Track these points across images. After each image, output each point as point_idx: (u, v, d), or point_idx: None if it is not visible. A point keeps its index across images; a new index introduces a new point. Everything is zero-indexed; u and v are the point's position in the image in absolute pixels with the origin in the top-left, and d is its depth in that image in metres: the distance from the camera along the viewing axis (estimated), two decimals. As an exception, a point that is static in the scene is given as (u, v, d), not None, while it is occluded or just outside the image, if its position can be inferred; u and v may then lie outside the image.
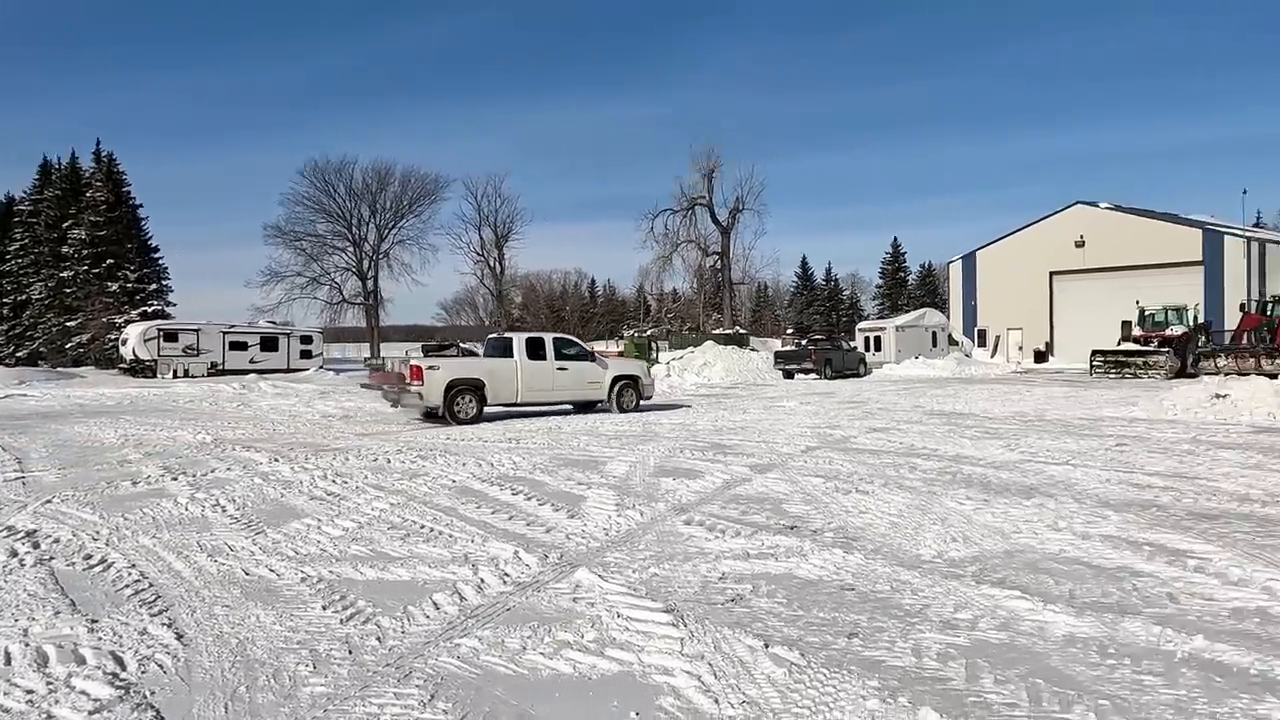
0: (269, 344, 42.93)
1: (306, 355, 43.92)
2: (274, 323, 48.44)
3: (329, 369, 43.39)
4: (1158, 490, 8.36)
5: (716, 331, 53.16)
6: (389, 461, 10.92)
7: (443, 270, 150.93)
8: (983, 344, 47.11)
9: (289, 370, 41.71)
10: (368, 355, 56.63)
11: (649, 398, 19.09)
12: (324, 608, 4.96)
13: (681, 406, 20.06)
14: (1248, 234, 42.52)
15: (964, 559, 5.94)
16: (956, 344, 45.21)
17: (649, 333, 52.66)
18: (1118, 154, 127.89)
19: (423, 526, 7.09)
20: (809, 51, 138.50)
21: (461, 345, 43.03)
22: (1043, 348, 44.80)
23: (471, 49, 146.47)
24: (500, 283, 75.24)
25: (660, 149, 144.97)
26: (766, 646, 4.24)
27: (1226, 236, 40.13)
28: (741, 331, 56.23)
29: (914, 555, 6.05)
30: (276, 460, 11.10)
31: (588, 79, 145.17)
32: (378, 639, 4.44)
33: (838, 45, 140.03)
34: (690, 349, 41.54)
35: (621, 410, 18.15)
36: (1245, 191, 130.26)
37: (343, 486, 9.05)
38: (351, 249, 64.10)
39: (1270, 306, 27.84)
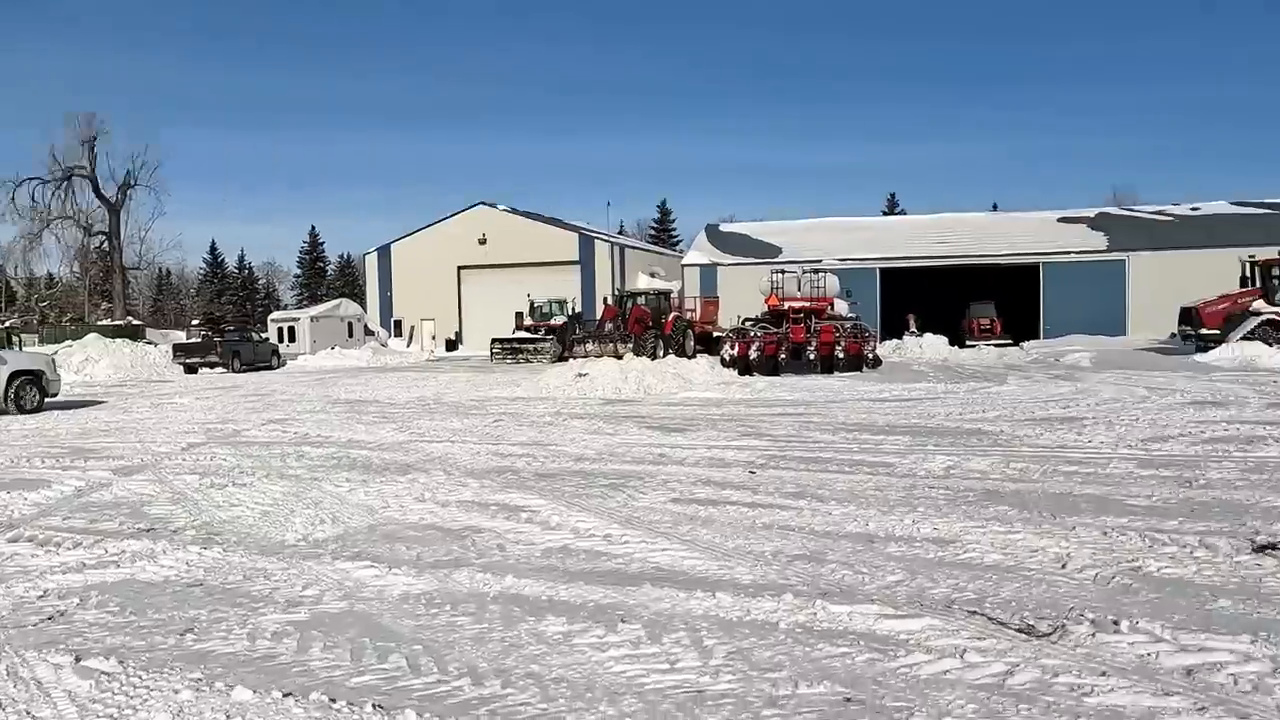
0: None
1: None
2: None
3: None
4: (516, 457, 9.54)
5: (104, 323, 46.42)
6: None
7: None
8: (399, 334, 48.64)
9: None
10: None
11: (55, 395, 16.98)
12: None
13: (84, 405, 17.13)
14: (612, 239, 50.80)
15: (327, 538, 6.09)
16: (373, 334, 46.00)
17: (8, 324, 43.78)
18: (515, 161, 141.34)
19: None
20: (212, 25, 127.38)
21: None
22: (454, 337, 47.87)
23: None
24: None
25: (24, 106, 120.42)
26: (78, 660, 3.85)
27: (597, 241, 47.32)
28: (136, 323, 49.99)
29: (278, 541, 6.03)
30: None
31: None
32: None
33: (250, 20, 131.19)
34: (69, 343, 35.64)
35: (22, 411, 15.68)
36: (609, 204, 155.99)
37: None
38: None
39: (623, 300, 33.56)
